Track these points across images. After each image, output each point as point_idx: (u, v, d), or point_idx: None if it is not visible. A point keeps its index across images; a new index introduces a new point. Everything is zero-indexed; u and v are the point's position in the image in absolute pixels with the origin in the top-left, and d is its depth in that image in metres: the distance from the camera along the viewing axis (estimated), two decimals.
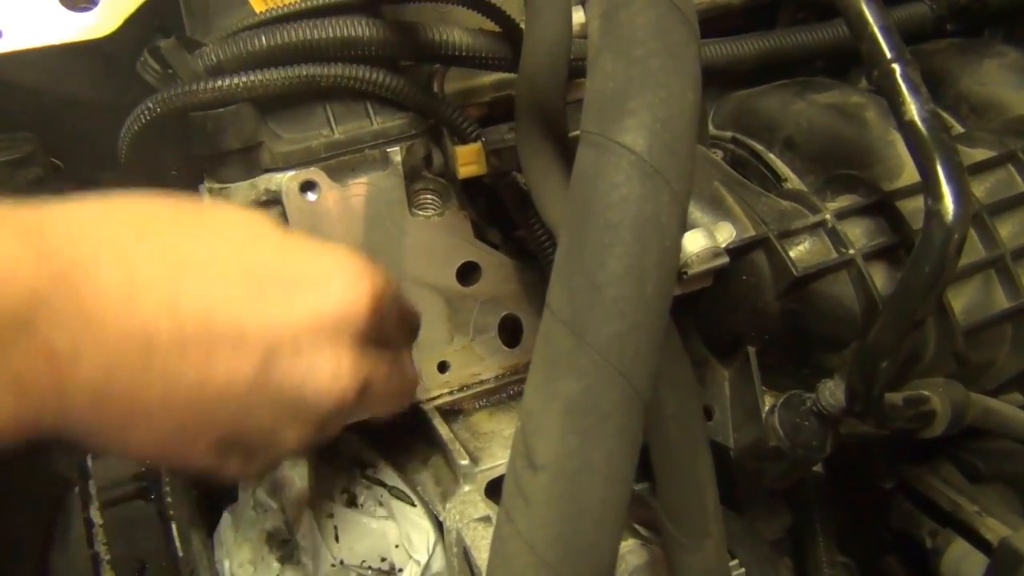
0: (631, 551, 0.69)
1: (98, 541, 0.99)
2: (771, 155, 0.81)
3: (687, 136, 0.42)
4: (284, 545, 0.90)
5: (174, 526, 0.98)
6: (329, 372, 0.52)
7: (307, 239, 0.56)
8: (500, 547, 0.42)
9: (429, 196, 0.83)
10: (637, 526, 0.72)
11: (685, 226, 0.43)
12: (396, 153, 0.79)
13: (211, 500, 1.00)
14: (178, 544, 0.97)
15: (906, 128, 0.59)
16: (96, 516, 1.00)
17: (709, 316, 0.75)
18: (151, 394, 0.47)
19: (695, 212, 0.69)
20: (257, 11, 0.77)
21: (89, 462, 1.02)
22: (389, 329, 0.58)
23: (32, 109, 0.91)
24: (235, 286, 0.50)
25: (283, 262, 0.53)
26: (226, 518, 0.95)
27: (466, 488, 0.78)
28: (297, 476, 0.88)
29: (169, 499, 1.00)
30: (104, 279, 0.45)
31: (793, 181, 0.79)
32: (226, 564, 0.92)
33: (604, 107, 0.42)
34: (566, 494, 0.41)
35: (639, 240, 0.41)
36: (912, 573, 0.94)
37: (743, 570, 0.72)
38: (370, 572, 0.84)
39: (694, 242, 0.62)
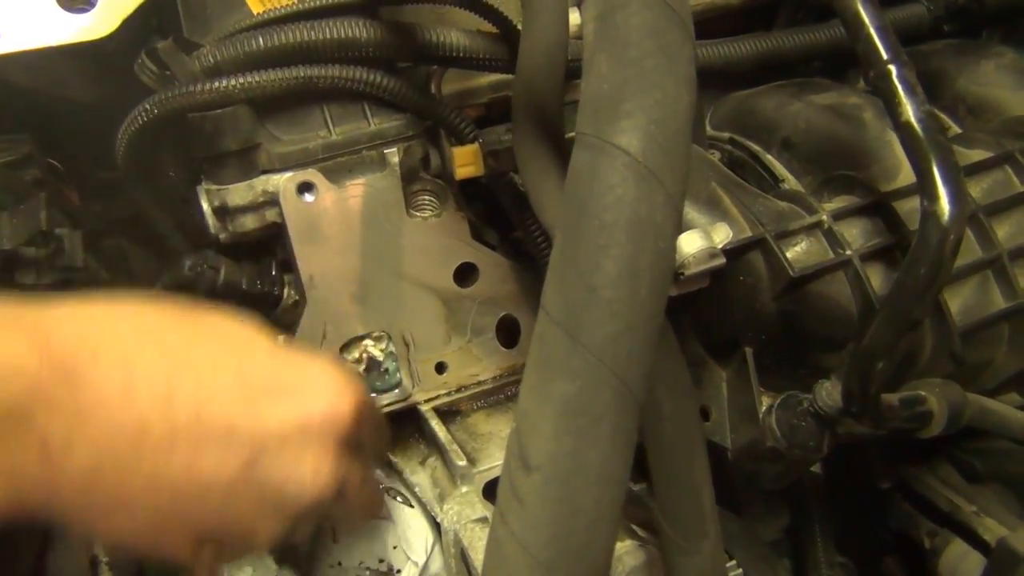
0: (628, 552, 0.68)
1: (97, 543, 0.98)
2: (769, 156, 0.81)
3: (682, 137, 0.42)
4: (282, 547, 0.90)
5: None
6: (311, 470, 0.55)
7: (297, 350, 0.61)
8: (495, 548, 0.42)
9: (426, 197, 0.83)
10: (635, 527, 0.72)
11: (680, 227, 0.43)
12: (393, 154, 0.79)
13: None
14: None
15: (902, 129, 0.59)
16: None
17: (706, 317, 0.75)
18: (137, 484, 0.50)
19: (692, 213, 0.69)
20: (255, 12, 0.77)
21: None
22: (365, 438, 0.61)
23: (30, 111, 0.91)
24: (228, 387, 0.53)
25: (274, 369, 0.57)
26: None
27: (464, 489, 0.78)
28: None
29: None
30: (103, 374, 0.48)
31: (790, 182, 0.79)
32: (225, 568, 0.92)
33: (599, 108, 0.42)
34: (560, 495, 0.41)
35: (634, 241, 0.41)
36: (910, 573, 0.94)
37: (740, 571, 0.72)
38: (368, 573, 0.84)
39: (691, 243, 0.62)
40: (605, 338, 0.41)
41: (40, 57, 0.76)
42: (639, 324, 0.41)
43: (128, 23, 0.77)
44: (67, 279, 0.74)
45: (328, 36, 0.74)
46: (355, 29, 0.74)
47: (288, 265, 0.82)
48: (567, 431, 0.41)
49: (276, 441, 0.54)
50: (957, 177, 0.56)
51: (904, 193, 0.71)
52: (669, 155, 0.41)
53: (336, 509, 0.59)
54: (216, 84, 0.72)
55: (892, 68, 0.59)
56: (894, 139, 0.74)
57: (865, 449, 0.90)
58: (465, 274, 0.85)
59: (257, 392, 0.54)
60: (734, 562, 0.72)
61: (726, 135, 0.86)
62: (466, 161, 0.78)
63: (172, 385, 0.51)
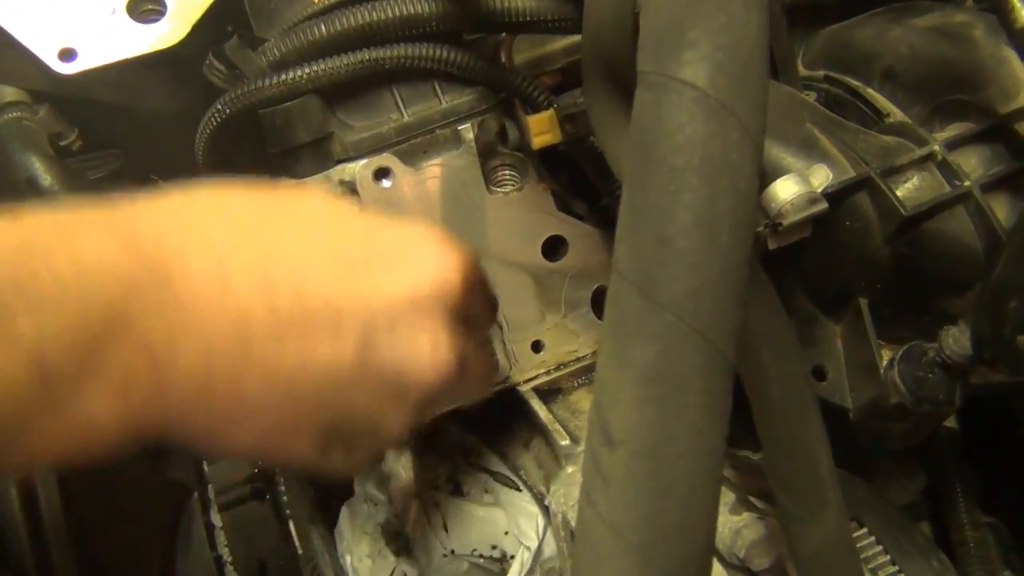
0: (746, 525, 0.64)
1: (220, 543, 1.01)
2: (870, 90, 0.74)
3: (755, 63, 0.38)
4: (398, 537, 0.90)
5: (292, 524, 0.99)
6: (428, 347, 0.51)
7: (391, 219, 0.56)
8: (583, 532, 0.39)
9: (506, 172, 0.81)
10: (753, 499, 0.68)
11: (760, 164, 0.39)
12: (468, 130, 0.77)
13: (327, 496, 1.00)
14: (297, 542, 0.98)
15: (1018, 37, 0.52)
16: (216, 519, 1.02)
17: (813, 269, 0.69)
18: (252, 384, 0.47)
19: (786, 158, 0.64)
20: (315, 0, 0.76)
21: (206, 467, 1.04)
22: (476, 307, 0.57)
23: (123, 128, 0.93)
24: (326, 267, 0.50)
25: (371, 241, 0.53)
26: (344, 513, 0.95)
27: (569, 469, 0.75)
28: (402, 468, 0.88)
29: (285, 498, 1.02)
30: (194, 266, 0.45)
31: (896, 115, 0.72)
32: (348, 559, 0.92)
33: (659, 42, 0.38)
34: (648, 471, 0.37)
35: (708, 184, 0.37)
36: None
37: (872, 538, 0.66)
38: (482, 560, 0.82)
39: (786, 189, 0.57)
40: (684, 294, 0.37)
41: (119, 71, 0.77)
42: (721, 276, 0.37)
43: (200, 27, 0.77)
44: None
45: (390, 15, 0.72)
46: (417, 5, 0.72)
47: None
48: (649, 400, 0.37)
49: (386, 318, 0.50)
50: None
51: None
52: (741, 85, 0.37)
53: (457, 387, 0.55)
54: (282, 76, 0.71)
55: None
56: (1011, 55, 0.67)
57: (1005, 399, 0.83)
58: (554, 247, 0.82)
59: (357, 266, 0.50)
60: (865, 530, 0.67)
61: (820, 73, 0.80)
62: (541, 129, 0.75)
63: (268, 271, 0.47)
